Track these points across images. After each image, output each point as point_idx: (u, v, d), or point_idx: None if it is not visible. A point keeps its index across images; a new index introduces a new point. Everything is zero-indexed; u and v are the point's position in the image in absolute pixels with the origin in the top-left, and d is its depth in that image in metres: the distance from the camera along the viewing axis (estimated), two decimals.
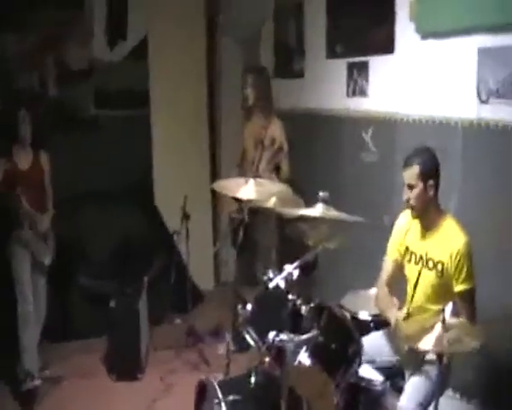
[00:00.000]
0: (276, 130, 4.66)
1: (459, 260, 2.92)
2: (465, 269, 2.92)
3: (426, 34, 3.90)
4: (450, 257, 2.94)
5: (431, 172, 3.00)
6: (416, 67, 4.00)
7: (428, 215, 3.07)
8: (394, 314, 3.07)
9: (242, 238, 3.82)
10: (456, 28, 3.62)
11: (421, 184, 2.98)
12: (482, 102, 3.52)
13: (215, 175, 6.17)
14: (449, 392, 3.44)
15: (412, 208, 3.07)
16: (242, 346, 3.31)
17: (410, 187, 3.01)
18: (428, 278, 3.04)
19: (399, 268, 3.25)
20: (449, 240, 2.98)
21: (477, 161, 3.58)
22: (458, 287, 2.93)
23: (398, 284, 3.26)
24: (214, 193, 5.95)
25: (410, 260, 3.17)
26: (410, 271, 3.16)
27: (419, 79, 3.97)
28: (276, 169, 4.63)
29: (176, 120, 5.88)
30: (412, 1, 3.95)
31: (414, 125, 4.00)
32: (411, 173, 2.99)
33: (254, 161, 4.60)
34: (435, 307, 2.97)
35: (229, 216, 4.65)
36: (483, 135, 3.51)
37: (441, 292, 2.99)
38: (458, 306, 2.83)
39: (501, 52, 3.40)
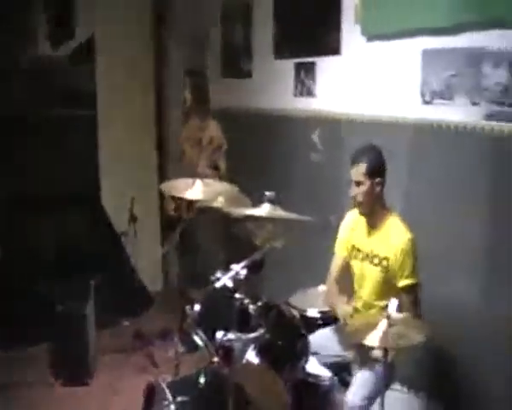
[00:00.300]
0: (213, 129, 4.74)
1: (403, 257, 2.98)
2: (409, 265, 2.98)
3: (371, 36, 3.96)
4: (395, 253, 2.99)
5: (378, 170, 3.06)
6: (362, 68, 4.06)
7: (375, 213, 3.13)
8: (342, 310, 3.11)
9: (189, 239, 3.82)
10: (401, 31, 3.69)
11: (368, 182, 3.03)
12: (426, 102, 3.60)
13: (163, 176, 6.12)
14: (396, 385, 3.50)
15: (359, 205, 3.12)
16: (191, 347, 3.29)
17: (358, 184, 3.06)
18: (374, 274, 3.09)
19: (347, 265, 3.30)
20: (393, 237, 3.04)
21: (422, 160, 3.66)
22: (402, 282, 2.99)
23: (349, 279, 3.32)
24: (162, 194, 5.91)
25: (356, 257, 3.22)
26: (357, 267, 3.21)
27: (365, 80, 4.03)
28: (215, 168, 4.68)
29: (123, 120, 5.80)
30: (357, 4, 4.01)
31: (360, 125, 4.05)
32: (359, 171, 3.04)
33: (193, 161, 4.65)
34: (381, 303, 3.03)
35: (167, 216, 4.66)
36: (427, 135, 3.58)
37: (386, 288, 3.04)
38: (402, 301, 2.86)
39: (444, 54, 3.48)
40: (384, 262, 3.04)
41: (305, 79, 4.56)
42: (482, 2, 3.23)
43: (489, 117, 3.25)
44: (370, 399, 2.91)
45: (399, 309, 2.58)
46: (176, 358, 3.49)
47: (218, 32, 5.54)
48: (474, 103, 3.33)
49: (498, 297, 3.24)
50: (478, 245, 3.34)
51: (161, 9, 6.10)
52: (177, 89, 5.75)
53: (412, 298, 2.98)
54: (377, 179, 3.05)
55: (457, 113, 3.41)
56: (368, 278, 3.13)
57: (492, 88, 3.23)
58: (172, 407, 2.87)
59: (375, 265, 3.08)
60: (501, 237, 3.23)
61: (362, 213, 3.17)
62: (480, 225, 3.32)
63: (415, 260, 3.00)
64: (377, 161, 3.09)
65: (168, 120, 6.25)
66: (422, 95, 3.61)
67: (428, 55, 3.57)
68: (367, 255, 3.14)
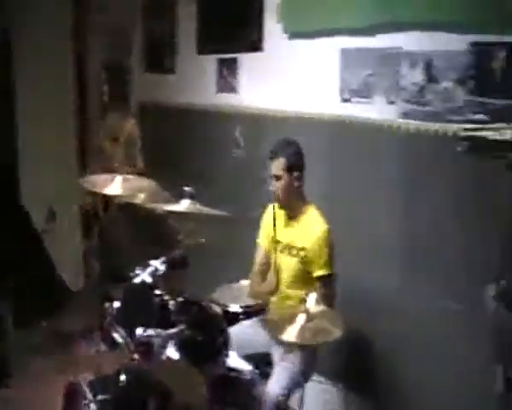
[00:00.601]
0: (130, 126, 4.69)
1: (319, 246, 3.06)
2: (324, 255, 3.07)
3: (293, 34, 4.03)
4: (312, 243, 3.08)
5: (296, 165, 3.12)
6: (283, 65, 4.11)
7: (294, 205, 3.20)
8: (263, 299, 3.15)
9: (109, 236, 3.77)
10: (320, 30, 3.77)
11: (286, 176, 3.10)
12: (345, 100, 3.69)
13: (83, 172, 5.98)
14: (316, 377, 3.58)
15: (278, 199, 3.20)
16: (112, 345, 3.25)
17: (277, 178, 3.12)
18: (292, 264, 3.17)
19: (270, 257, 3.35)
20: (311, 228, 3.12)
21: (341, 156, 3.75)
22: (318, 272, 3.07)
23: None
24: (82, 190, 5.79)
25: (276, 249, 3.28)
26: (277, 259, 3.27)
27: (287, 77, 4.09)
28: (133, 164, 4.63)
29: (43, 116, 5.63)
30: (279, 2, 4.06)
31: (282, 121, 4.11)
32: (278, 165, 3.10)
33: (112, 157, 4.59)
34: (299, 293, 3.07)
35: (87, 214, 4.60)
36: (346, 131, 3.68)
37: (304, 279, 3.12)
38: (317, 291, 2.93)
39: (362, 53, 3.57)
40: (301, 253, 3.12)
41: (227, 75, 4.59)
42: (398, 4, 3.32)
43: (405, 116, 3.36)
44: (290, 390, 2.97)
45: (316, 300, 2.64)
46: (97, 356, 3.43)
47: (141, 26, 5.49)
48: (391, 102, 3.44)
49: (414, 291, 3.35)
50: (394, 237, 3.45)
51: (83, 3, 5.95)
52: (98, 83, 5.65)
53: (327, 288, 3.06)
54: (295, 174, 3.11)
55: (375, 111, 3.52)
56: (286, 268, 3.21)
57: (409, 88, 3.34)
58: (93, 405, 2.82)
59: (293, 256, 3.16)
60: (416, 231, 3.35)
61: (281, 207, 3.24)
62: (396, 218, 3.44)
63: (331, 252, 3.09)
64: (296, 155, 3.15)
65: (89, 114, 6.12)
66: (341, 93, 3.69)
67: (347, 55, 3.67)
68: (286, 246, 3.21)
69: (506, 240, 1.79)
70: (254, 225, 3.48)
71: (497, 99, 2.96)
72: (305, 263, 3.11)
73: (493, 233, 1.87)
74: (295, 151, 3.17)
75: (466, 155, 3.05)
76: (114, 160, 4.56)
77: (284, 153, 3.12)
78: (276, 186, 3.14)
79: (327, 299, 2.98)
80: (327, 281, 3.08)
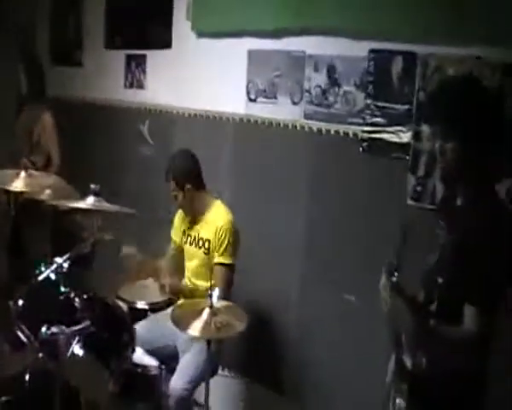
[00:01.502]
0: (46, 121, 4.58)
1: (221, 235, 3.20)
2: (225, 243, 3.21)
3: (201, 33, 4.06)
4: (215, 233, 3.22)
5: (186, 178, 3.27)
6: (192, 63, 4.15)
7: (199, 206, 3.34)
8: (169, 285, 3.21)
9: (15, 232, 3.68)
10: (229, 30, 3.83)
11: (181, 192, 3.27)
12: (251, 100, 3.77)
13: None
14: (223, 371, 3.66)
15: (182, 211, 3.40)
16: (16, 344, 3.19)
17: (175, 197, 3.30)
18: (198, 256, 3.31)
19: (181, 250, 3.46)
20: (215, 219, 3.27)
21: (246, 154, 3.84)
22: (217, 259, 3.21)
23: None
24: None
25: (186, 242, 3.40)
26: (187, 252, 3.40)
27: (195, 75, 4.12)
28: (47, 159, 4.54)
29: None
30: (189, 1, 4.09)
31: (189, 118, 4.14)
32: (171, 186, 3.29)
33: (25, 152, 4.48)
34: (204, 284, 3.16)
35: None
36: (251, 130, 3.76)
37: (208, 270, 3.18)
38: (215, 278, 3.06)
39: (268, 55, 3.66)
40: (206, 244, 3.26)
41: (135, 70, 4.58)
42: (304, 9, 3.42)
43: (308, 116, 3.48)
44: (194, 383, 3.05)
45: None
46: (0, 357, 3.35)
47: (48, 17, 5.38)
48: (295, 103, 3.54)
49: (314, 286, 3.48)
50: (297, 236, 3.56)
51: None
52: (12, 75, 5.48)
53: (223, 277, 3.18)
54: (187, 186, 3.26)
55: (280, 111, 3.61)
56: (193, 259, 3.34)
57: (312, 90, 3.46)
58: None
59: (199, 247, 3.30)
60: (318, 229, 3.48)
61: (186, 215, 3.42)
62: (299, 217, 3.55)
63: (233, 242, 3.23)
64: (184, 170, 3.30)
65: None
66: (248, 92, 3.77)
67: (254, 56, 3.74)
68: (194, 239, 3.34)
69: (399, 237, 1.92)
70: (161, 223, 3.52)
71: (395, 104, 3.11)
72: (209, 254, 3.25)
73: (391, 231, 2.00)
74: (183, 166, 3.32)
75: (366, 155, 3.22)
76: (28, 155, 4.43)
77: (174, 172, 3.29)
78: (177, 203, 3.34)
79: (221, 287, 3.02)
80: (224, 269, 3.20)
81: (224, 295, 3.00)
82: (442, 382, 1.92)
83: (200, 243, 3.30)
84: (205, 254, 3.27)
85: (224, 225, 3.22)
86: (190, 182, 3.27)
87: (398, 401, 2.02)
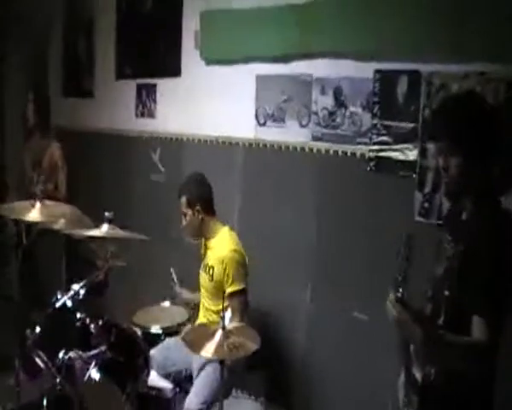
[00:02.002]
0: (54, 150, 4.68)
1: (225, 266, 3.24)
2: (231, 273, 3.24)
3: (209, 61, 4.14)
4: (218, 263, 3.26)
5: (197, 199, 3.33)
6: (201, 90, 4.22)
7: (205, 231, 3.40)
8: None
9: (30, 261, 3.73)
10: (237, 56, 3.90)
11: (190, 212, 3.32)
12: (260, 124, 3.83)
13: (2, 199, 5.86)
14: (237, 392, 3.69)
15: (187, 233, 3.44)
16: (33, 372, 3.22)
17: (184, 215, 3.35)
18: (206, 281, 3.37)
19: None
20: (219, 248, 3.32)
21: (256, 176, 3.90)
22: (228, 289, 3.23)
23: None
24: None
25: (200, 268, 3.46)
26: (200, 277, 3.46)
27: (205, 102, 4.20)
28: (54, 188, 4.62)
29: None
30: (197, 30, 4.18)
31: (199, 145, 4.22)
32: (182, 203, 3.34)
33: (33, 181, 4.56)
34: (214, 308, 3.27)
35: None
36: (261, 153, 3.83)
37: (215, 294, 3.28)
38: (230, 306, 3.11)
39: (276, 80, 3.73)
40: (211, 271, 3.31)
41: (146, 100, 4.66)
42: (310, 34, 3.48)
43: (316, 138, 3.54)
44: (207, 404, 3.07)
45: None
46: (17, 385, 3.38)
47: (60, 49, 5.49)
48: (303, 126, 3.60)
49: (324, 303, 3.53)
50: (305, 252, 3.62)
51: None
52: (18, 106, 5.58)
53: (236, 303, 3.22)
54: (197, 207, 3.31)
55: (289, 134, 3.67)
56: (203, 285, 3.40)
57: (319, 112, 3.52)
58: None
59: (206, 273, 3.35)
60: (326, 246, 3.53)
61: (193, 238, 3.48)
62: (308, 235, 3.60)
63: (239, 268, 3.27)
64: (197, 190, 3.36)
65: (8, 138, 6.02)
66: (257, 117, 3.83)
67: (262, 81, 3.82)
68: (204, 266, 3.40)
69: (401, 253, 1.94)
70: (174, 248, 3.57)
71: (401, 122, 3.16)
72: (214, 280, 3.30)
73: (395, 247, 2.02)
74: (197, 186, 3.38)
75: (373, 174, 3.25)
76: (36, 184, 4.51)
77: (185, 191, 3.36)
78: (183, 222, 3.38)
79: (236, 313, 3.15)
80: (235, 296, 3.23)
81: (242, 318, 3.06)
82: (452, 393, 1.93)
83: (207, 269, 3.36)
84: (209, 280, 3.33)
85: (226, 255, 3.25)
86: (201, 203, 3.32)
87: None
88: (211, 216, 3.38)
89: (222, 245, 3.31)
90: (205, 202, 3.35)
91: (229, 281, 3.23)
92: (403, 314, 1.90)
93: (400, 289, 1.90)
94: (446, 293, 1.91)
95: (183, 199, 3.33)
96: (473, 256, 1.86)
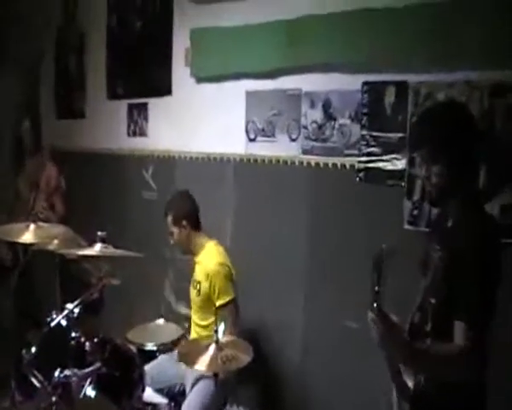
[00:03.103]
0: (51, 171, 4.71)
1: (211, 281, 3.28)
2: (218, 286, 3.27)
3: (200, 78, 4.18)
4: (205, 277, 3.30)
5: (182, 215, 3.38)
6: (192, 107, 4.26)
7: (193, 248, 3.44)
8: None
9: (25, 281, 3.74)
10: (227, 73, 3.94)
11: (176, 229, 3.37)
12: (250, 140, 3.86)
13: None
14: (232, 405, 3.69)
15: (178, 248, 3.49)
16: (28, 392, 3.22)
17: (171, 233, 3.40)
18: (194, 296, 3.40)
19: None
20: (205, 262, 3.36)
21: (248, 191, 3.93)
22: (217, 302, 3.26)
23: None
24: None
25: (191, 284, 3.47)
26: (190, 292, 3.47)
27: (195, 119, 4.24)
28: (51, 208, 4.65)
29: None
30: (187, 48, 4.22)
31: (191, 162, 4.25)
32: (168, 222, 3.39)
33: (29, 203, 4.59)
34: (203, 322, 3.32)
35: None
36: (252, 168, 3.86)
37: (204, 309, 3.32)
38: (221, 316, 3.07)
39: (265, 95, 3.77)
40: (198, 286, 3.35)
41: (137, 118, 4.69)
42: (297, 49, 3.53)
43: (306, 152, 3.57)
44: None
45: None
46: (13, 407, 3.38)
47: (51, 71, 5.52)
48: (293, 140, 3.64)
49: (316, 313, 3.54)
50: (297, 263, 3.64)
51: None
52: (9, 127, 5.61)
53: (227, 314, 3.23)
54: (183, 223, 3.36)
55: (279, 148, 3.70)
56: (193, 300, 3.44)
57: (309, 126, 3.55)
58: None
59: (194, 288, 3.39)
60: (317, 256, 3.55)
61: (183, 253, 3.51)
62: (300, 246, 3.63)
63: (226, 281, 3.29)
64: (182, 207, 3.42)
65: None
66: (247, 133, 3.87)
67: (252, 96, 3.85)
68: (193, 281, 3.43)
69: (374, 267, 1.93)
70: (167, 265, 3.59)
71: (389, 132, 3.20)
72: (201, 295, 3.33)
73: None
74: (182, 203, 3.43)
75: (363, 185, 3.28)
76: (32, 206, 4.54)
77: (170, 209, 3.41)
78: (171, 241, 3.44)
79: (229, 321, 3.14)
80: (225, 309, 3.25)
81: (233, 332, 3.07)
82: (443, 400, 1.93)
83: (195, 284, 3.39)
84: (197, 295, 3.36)
85: (212, 269, 3.29)
86: (186, 219, 3.36)
87: None
88: (197, 231, 3.42)
89: (208, 259, 3.35)
90: (191, 217, 3.39)
91: (217, 294, 3.26)
92: (379, 327, 1.89)
93: (376, 302, 1.89)
94: (433, 301, 1.92)
95: (169, 218, 3.38)
96: (457, 262, 1.87)
